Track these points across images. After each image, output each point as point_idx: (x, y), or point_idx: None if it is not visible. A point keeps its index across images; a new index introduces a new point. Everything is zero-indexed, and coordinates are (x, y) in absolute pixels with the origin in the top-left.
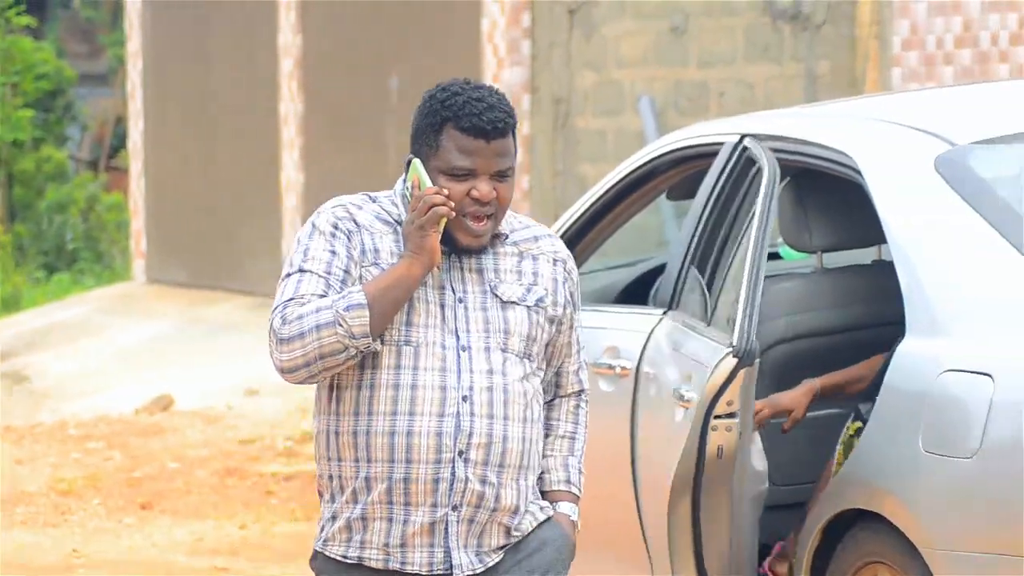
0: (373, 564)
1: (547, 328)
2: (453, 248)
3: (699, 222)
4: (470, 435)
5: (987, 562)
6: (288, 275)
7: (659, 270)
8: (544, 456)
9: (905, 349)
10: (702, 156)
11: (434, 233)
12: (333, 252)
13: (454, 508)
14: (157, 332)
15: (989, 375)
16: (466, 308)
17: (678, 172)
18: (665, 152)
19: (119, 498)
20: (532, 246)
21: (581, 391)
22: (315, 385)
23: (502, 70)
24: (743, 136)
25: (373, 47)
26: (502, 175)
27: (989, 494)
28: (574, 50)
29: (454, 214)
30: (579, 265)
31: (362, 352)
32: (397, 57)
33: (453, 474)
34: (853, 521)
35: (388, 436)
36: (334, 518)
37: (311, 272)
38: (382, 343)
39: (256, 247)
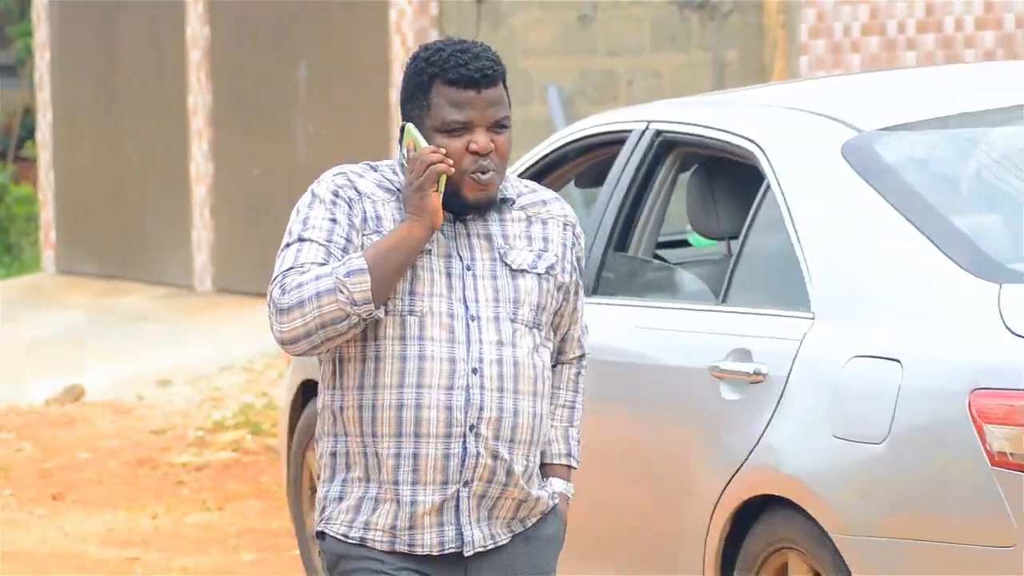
0: (377, 546)
1: (556, 296)
2: (459, 213)
3: (607, 208)
4: (481, 408)
5: (896, 547)
6: (287, 245)
7: None
8: None
9: (813, 335)
10: (610, 144)
11: (434, 192)
12: (334, 220)
13: (465, 484)
14: (67, 323)
15: (898, 360)
16: (475, 276)
17: (586, 160)
18: (572, 140)
19: (30, 489)
20: (541, 210)
21: (582, 355)
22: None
23: None
24: (650, 123)
25: (281, 37)
26: (499, 126)
27: (898, 479)
28: (482, 40)
29: (453, 170)
30: None
31: (364, 320)
32: (305, 47)
33: (464, 449)
34: (763, 507)
35: (395, 410)
36: (339, 498)
37: (311, 241)
38: (385, 313)
39: (166, 238)
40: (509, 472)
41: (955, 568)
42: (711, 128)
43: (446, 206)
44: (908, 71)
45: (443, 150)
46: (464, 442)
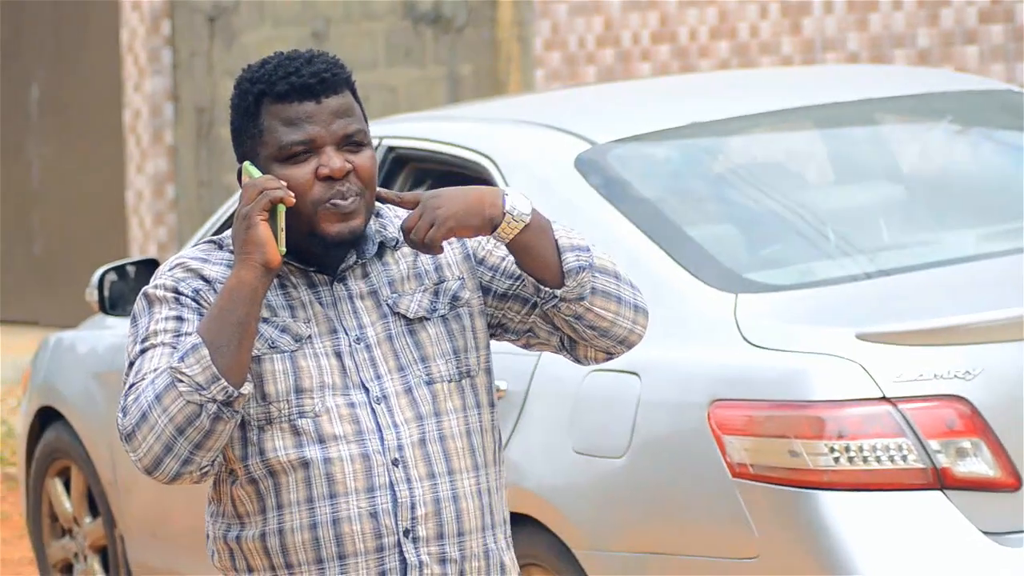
0: None
1: (479, 322)
2: (332, 273)
3: None
4: (412, 506)
5: (639, 561)
6: (129, 364)
7: None
8: None
9: None
10: None
11: (263, 222)
12: (180, 318)
13: None
14: None
15: (636, 373)
16: (368, 347)
17: None
18: None
19: None
20: None
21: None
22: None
23: (144, 79)
24: (382, 139)
25: (11, 59)
26: (352, 142)
27: (640, 492)
28: (215, 58)
29: (293, 199)
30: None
31: (230, 406)
32: (36, 69)
33: (403, 560)
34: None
35: (309, 531)
36: None
37: (154, 346)
38: (269, 423)
39: None
40: (462, 573)
41: None
42: (443, 143)
43: (320, 270)
44: (642, 82)
45: (283, 182)
46: (400, 551)
